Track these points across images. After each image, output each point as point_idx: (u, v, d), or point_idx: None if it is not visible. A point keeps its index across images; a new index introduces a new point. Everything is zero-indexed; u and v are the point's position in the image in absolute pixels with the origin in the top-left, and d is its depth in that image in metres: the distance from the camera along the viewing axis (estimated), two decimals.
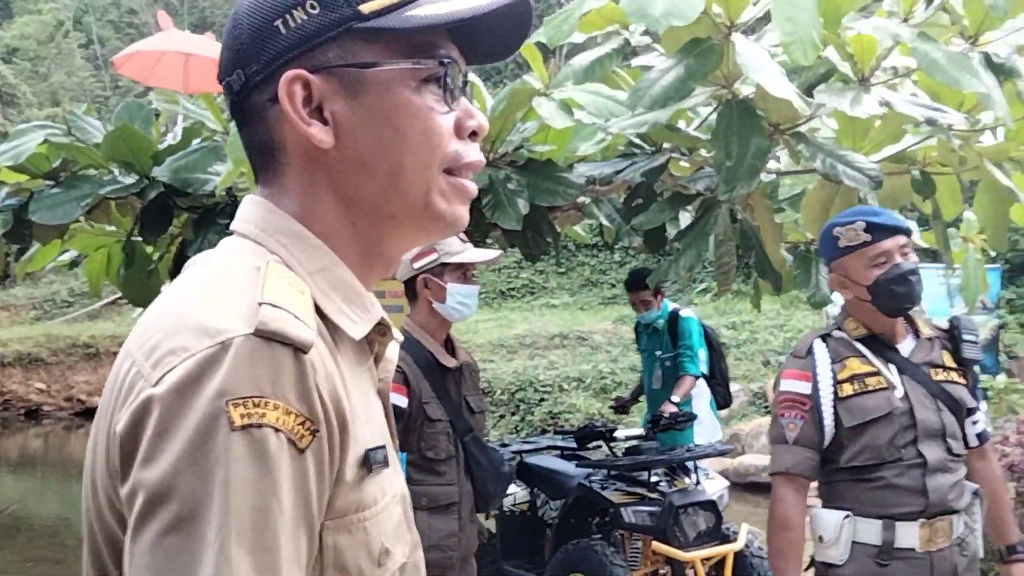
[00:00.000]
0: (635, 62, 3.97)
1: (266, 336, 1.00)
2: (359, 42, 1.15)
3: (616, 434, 6.35)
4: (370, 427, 1.15)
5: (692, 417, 6.72)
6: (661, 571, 6.07)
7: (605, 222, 4.97)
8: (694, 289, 20.75)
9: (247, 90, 1.17)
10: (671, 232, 4.66)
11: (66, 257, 6.00)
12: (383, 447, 1.15)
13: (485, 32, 1.22)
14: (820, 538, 2.97)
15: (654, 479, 5.99)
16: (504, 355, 19.14)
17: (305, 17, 1.13)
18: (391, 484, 1.17)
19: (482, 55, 1.28)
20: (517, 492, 6.51)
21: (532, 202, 4.19)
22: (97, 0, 31.72)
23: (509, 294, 23.88)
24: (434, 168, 1.18)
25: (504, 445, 6.92)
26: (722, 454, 7.36)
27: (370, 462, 1.11)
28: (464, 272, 3.62)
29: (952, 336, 3.23)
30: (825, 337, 3.11)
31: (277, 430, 0.98)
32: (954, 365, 3.18)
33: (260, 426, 0.97)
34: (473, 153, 1.22)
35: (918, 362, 3.10)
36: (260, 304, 1.03)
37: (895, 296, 2.97)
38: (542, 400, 16.33)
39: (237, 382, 0.98)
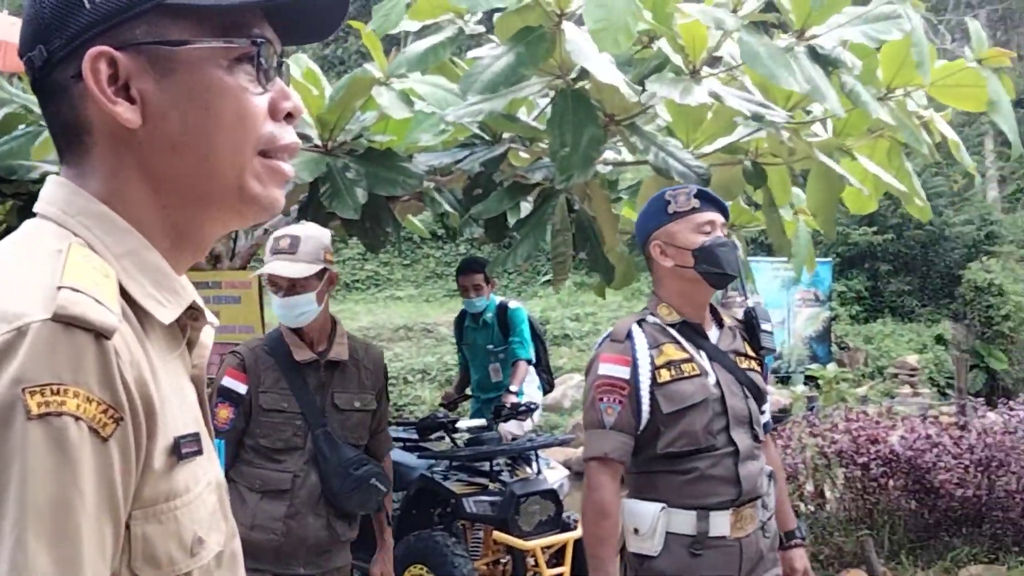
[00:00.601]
0: (471, 54, 3.97)
1: (66, 321, 0.96)
2: (168, 19, 1.10)
3: (458, 425, 6.35)
4: (182, 414, 1.12)
5: (534, 408, 6.77)
6: (502, 560, 6.10)
7: (450, 209, 4.96)
8: (538, 281, 20.96)
9: (50, 66, 1.12)
10: (512, 222, 4.68)
11: None
12: (195, 434, 1.12)
13: (301, 11, 1.20)
14: (635, 530, 2.96)
15: (496, 469, 6.02)
16: None
17: None
18: (205, 472, 1.14)
19: (299, 35, 1.25)
20: None
21: (371, 191, 4.15)
22: None
23: (353, 286, 23.65)
24: (248, 150, 1.15)
25: None
26: (563, 444, 7.44)
27: (180, 450, 1.08)
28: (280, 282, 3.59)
29: (749, 326, 3.31)
30: (641, 322, 3.11)
31: (77, 418, 0.94)
32: (752, 354, 3.27)
33: (59, 414, 0.93)
34: (289, 135, 1.19)
35: (725, 350, 3.16)
36: (59, 288, 0.98)
37: (718, 261, 2.99)
38: None
39: (34, 369, 0.94)
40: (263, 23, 1.16)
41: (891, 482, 6.91)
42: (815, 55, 3.42)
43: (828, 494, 7.08)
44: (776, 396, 11.51)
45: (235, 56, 1.13)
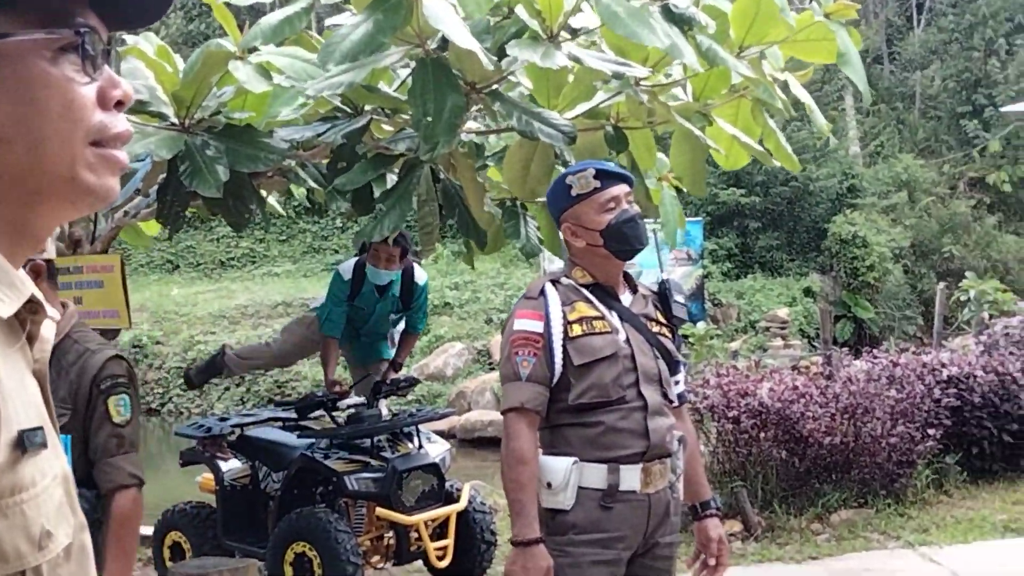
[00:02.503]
0: (329, 22, 3.86)
1: None
2: None
3: (339, 403, 6.27)
4: (24, 409, 1.08)
5: (416, 382, 6.72)
6: (386, 535, 6.06)
7: (314, 185, 4.86)
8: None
9: None
10: (378, 193, 4.60)
11: None
12: (40, 428, 1.08)
13: None
14: (548, 485, 2.98)
15: (377, 446, 5.96)
16: (226, 326, 18.80)
17: None
18: (51, 465, 1.10)
19: (126, 21, 1.23)
20: (236, 466, 6.34)
21: (232, 168, 4.03)
22: None
23: (229, 264, 23.38)
24: (77, 141, 1.11)
25: (224, 419, 6.73)
26: (443, 417, 7.40)
27: (24, 443, 1.04)
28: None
29: (663, 297, 3.36)
30: (555, 282, 3.17)
31: None
32: (664, 322, 3.32)
33: None
34: (120, 123, 1.15)
35: (637, 313, 3.21)
36: None
37: (626, 238, 3.06)
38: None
39: None
40: (87, 11, 1.12)
41: (762, 434, 7.05)
42: (670, 14, 3.42)
43: (701, 448, 7.18)
44: None
45: (59, 46, 1.09)
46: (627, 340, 3.10)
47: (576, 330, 3.04)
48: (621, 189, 3.12)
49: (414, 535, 5.87)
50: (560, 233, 3.29)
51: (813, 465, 7.08)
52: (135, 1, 1.20)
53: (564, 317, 3.05)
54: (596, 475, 2.98)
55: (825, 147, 22.71)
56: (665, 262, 17.79)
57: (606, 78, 3.58)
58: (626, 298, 3.25)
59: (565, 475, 2.96)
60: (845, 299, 20.43)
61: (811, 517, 6.89)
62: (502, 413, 3.10)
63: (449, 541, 5.90)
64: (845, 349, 10.44)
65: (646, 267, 17.71)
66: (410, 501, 5.82)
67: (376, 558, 6.08)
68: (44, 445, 1.08)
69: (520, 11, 3.45)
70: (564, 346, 3.02)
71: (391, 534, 6.03)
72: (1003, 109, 18.91)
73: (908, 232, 22.19)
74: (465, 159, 4.25)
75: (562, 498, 2.97)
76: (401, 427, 6.10)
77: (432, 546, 5.83)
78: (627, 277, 3.33)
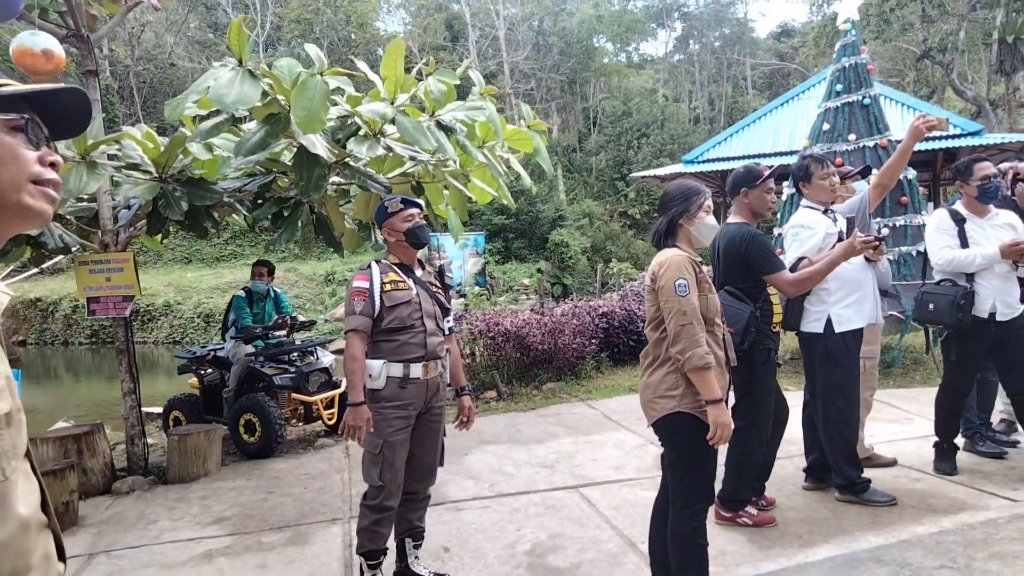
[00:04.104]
0: (245, 126, 3.58)
1: None
2: None
3: (271, 335, 5.89)
4: None
5: (314, 322, 6.39)
6: (299, 408, 5.76)
7: (245, 214, 4.50)
8: (325, 252, 20.07)
9: None
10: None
11: None
12: None
13: (62, 114, 1.07)
14: (370, 375, 2.86)
15: (293, 358, 5.65)
16: (219, 293, 17.53)
17: None
18: None
19: (64, 131, 1.11)
20: (211, 372, 5.89)
21: (191, 203, 3.69)
22: None
23: (221, 258, 22.01)
24: (23, 180, 1.01)
25: (204, 347, 6.23)
26: (330, 342, 7.07)
27: None
28: None
29: (440, 272, 3.25)
30: (378, 261, 3.02)
31: None
32: (439, 286, 3.22)
33: None
34: (50, 173, 1.05)
35: (424, 281, 3.09)
36: None
37: (417, 236, 2.95)
38: None
39: None
40: (31, 112, 1.03)
41: (506, 344, 7.04)
42: (440, 125, 3.31)
43: (476, 353, 7.17)
44: (454, 304, 11.54)
45: (12, 126, 1.01)
46: (417, 294, 2.97)
47: (388, 287, 2.89)
48: (415, 211, 2.99)
49: (315, 408, 5.60)
50: (382, 233, 3.11)
51: (533, 360, 7.11)
52: (68, 118, 1.09)
53: (381, 279, 2.90)
54: (397, 369, 2.86)
55: (547, 195, 23.13)
56: (465, 257, 17.78)
57: (407, 159, 3.43)
58: (419, 272, 3.11)
59: (379, 370, 2.84)
60: (557, 274, 20.90)
61: (532, 387, 6.94)
62: (344, 333, 2.92)
63: (334, 410, 5.65)
64: (554, 301, 10.58)
65: (455, 258, 17.70)
66: (312, 389, 5.54)
67: (294, 421, 5.76)
68: None
69: (358, 119, 3.27)
70: (380, 296, 2.87)
71: (301, 408, 5.73)
72: (633, 175, 19.65)
73: (589, 239, 22.86)
74: (332, 200, 4.03)
75: (378, 383, 2.84)
76: (305, 348, 5.80)
77: (324, 413, 5.57)
78: (419, 260, 3.19)
